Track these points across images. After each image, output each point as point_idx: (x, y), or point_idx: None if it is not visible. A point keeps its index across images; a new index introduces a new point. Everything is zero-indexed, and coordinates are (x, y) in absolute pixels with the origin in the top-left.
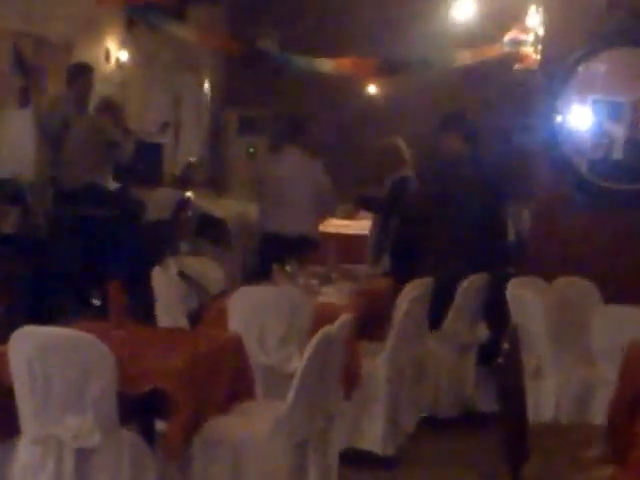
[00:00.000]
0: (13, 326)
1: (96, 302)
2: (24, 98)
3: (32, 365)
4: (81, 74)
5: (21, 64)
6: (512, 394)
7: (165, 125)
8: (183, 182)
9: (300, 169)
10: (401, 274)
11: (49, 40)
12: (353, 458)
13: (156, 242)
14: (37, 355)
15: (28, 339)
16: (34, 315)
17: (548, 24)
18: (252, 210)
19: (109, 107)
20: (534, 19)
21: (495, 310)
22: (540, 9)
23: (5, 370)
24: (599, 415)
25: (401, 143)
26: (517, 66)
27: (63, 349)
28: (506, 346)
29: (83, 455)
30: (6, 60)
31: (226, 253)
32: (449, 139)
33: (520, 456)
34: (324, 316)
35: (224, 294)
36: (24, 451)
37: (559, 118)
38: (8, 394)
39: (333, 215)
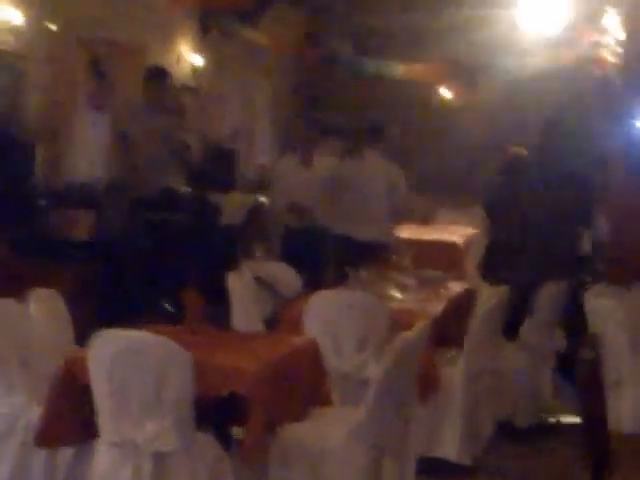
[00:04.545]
0: (89, 330)
1: (168, 307)
2: (97, 102)
3: (111, 368)
4: (157, 78)
5: (96, 69)
6: (593, 404)
7: (236, 132)
8: (257, 186)
9: (377, 173)
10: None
11: (123, 45)
12: (429, 466)
13: (231, 247)
14: (117, 358)
15: (108, 342)
16: (110, 320)
17: (628, 26)
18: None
19: (180, 110)
20: (611, 20)
21: (573, 318)
22: (617, 10)
23: (85, 373)
24: None
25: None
26: (595, 70)
27: (142, 353)
28: (585, 355)
29: (160, 459)
30: (82, 65)
31: None
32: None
33: (602, 467)
34: (400, 322)
35: (300, 299)
36: (102, 454)
37: (638, 123)
38: (87, 397)
39: (410, 220)
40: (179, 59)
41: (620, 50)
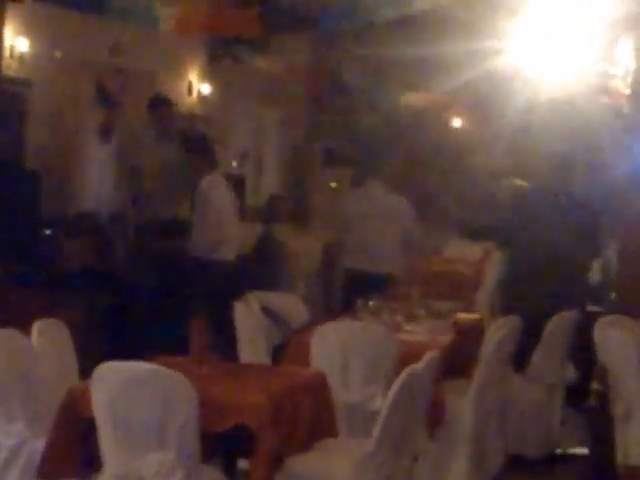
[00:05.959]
0: (95, 361)
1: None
2: (106, 132)
3: (114, 400)
4: (160, 106)
5: (104, 97)
6: (603, 436)
7: (244, 156)
8: (266, 216)
9: (383, 204)
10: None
11: (132, 73)
12: None
13: (238, 277)
14: (120, 390)
15: (112, 374)
16: (114, 349)
17: (639, 55)
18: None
19: (191, 138)
20: (624, 51)
21: (582, 350)
22: (629, 40)
23: (88, 405)
24: None
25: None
26: (606, 99)
27: (146, 384)
28: (596, 387)
29: None
30: (89, 94)
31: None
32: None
33: None
34: (409, 353)
35: (307, 329)
36: None
37: None
38: (91, 429)
39: (418, 251)
40: (190, 88)
41: (631, 80)
